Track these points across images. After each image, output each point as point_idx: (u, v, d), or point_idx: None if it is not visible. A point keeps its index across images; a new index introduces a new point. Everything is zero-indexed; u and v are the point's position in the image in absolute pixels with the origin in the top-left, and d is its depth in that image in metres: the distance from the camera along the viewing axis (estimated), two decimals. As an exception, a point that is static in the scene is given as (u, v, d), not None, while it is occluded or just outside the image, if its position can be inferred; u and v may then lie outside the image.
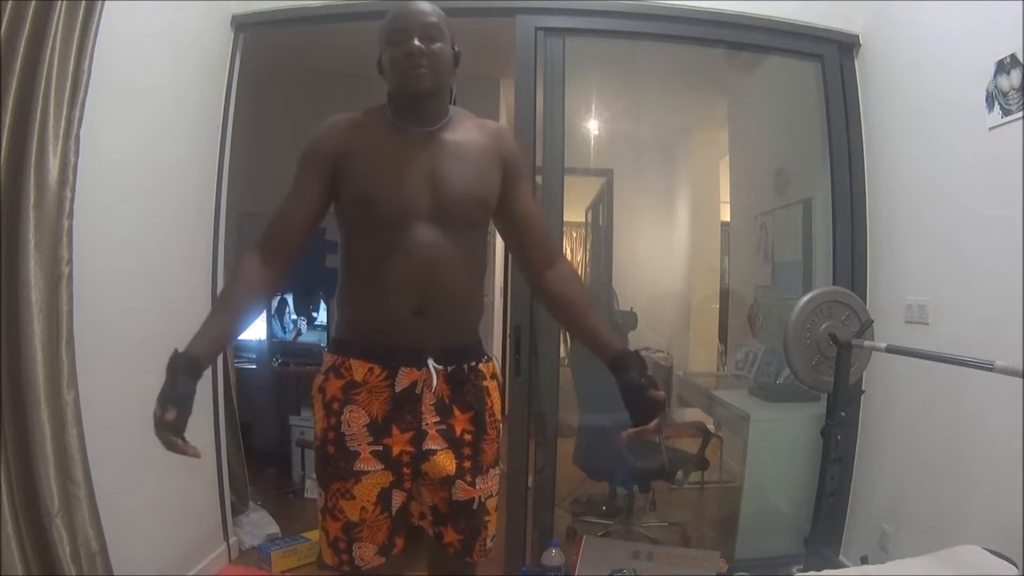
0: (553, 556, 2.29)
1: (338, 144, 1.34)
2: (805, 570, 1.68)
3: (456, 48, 1.36)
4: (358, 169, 1.31)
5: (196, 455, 1.18)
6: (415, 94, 1.31)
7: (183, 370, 1.21)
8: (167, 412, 1.17)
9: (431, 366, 1.32)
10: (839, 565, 2.17)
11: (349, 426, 1.31)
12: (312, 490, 3.42)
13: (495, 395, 1.43)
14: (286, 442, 3.68)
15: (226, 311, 1.33)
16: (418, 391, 1.32)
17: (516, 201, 1.43)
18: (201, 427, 2.52)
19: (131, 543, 1.89)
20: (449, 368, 1.35)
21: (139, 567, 1.93)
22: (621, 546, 2.41)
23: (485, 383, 1.41)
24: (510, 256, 1.55)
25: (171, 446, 1.16)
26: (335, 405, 1.32)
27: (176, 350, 1.22)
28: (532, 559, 2.48)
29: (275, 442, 3.75)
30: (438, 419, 1.34)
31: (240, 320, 1.34)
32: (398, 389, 1.31)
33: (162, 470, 2.20)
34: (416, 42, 1.27)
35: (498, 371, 1.49)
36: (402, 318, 1.30)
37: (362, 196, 1.30)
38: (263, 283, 1.34)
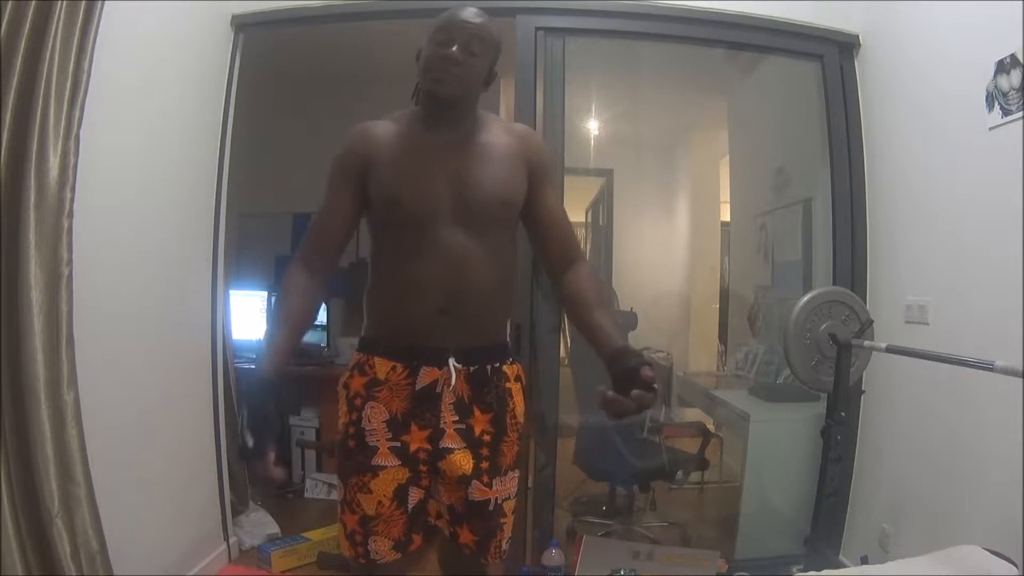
0: (553, 556, 2.29)
1: (367, 149, 1.36)
2: (805, 570, 1.68)
3: (495, 70, 1.38)
4: (386, 171, 1.34)
5: (281, 478, 1.24)
6: (436, 96, 1.32)
7: (268, 394, 1.25)
8: (260, 443, 1.21)
9: (451, 365, 1.33)
10: (839, 565, 2.17)
11: (369, 422, 1.34)
12: (312, 490, 3.46)
13: (518, 397, 1.44)
14: (286, 442, 3.67)
15: (284, 326, 1.33)
16: (438, 390, 1.34)
17: (539, 203, 1.43)
18: (201, 427, 2.52)
19: (131, 543, 1.89)
20: (472, 368, 1.36)
21: (139, 567, 1.93)
22: (621, 546, 2.41)
23: (508, 385, 1.41)
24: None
25: (269, 475, 1.20)
26: (357, 401, 1.36)
27: (255, 373, 1.26)
28: (532, 559, 2.48)
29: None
30: (457, 418, 1.35)
31: (299, 333, 1.37)
32: (418, 387, 1.34)
33: (162, 470, 2.21)
34: (455, 48, 1.29)
35: (523, 373, 1.48)
36: (427, 316, 1.32)
37: (390, 197, 1.33)
38: (312, 293, 1.37)
